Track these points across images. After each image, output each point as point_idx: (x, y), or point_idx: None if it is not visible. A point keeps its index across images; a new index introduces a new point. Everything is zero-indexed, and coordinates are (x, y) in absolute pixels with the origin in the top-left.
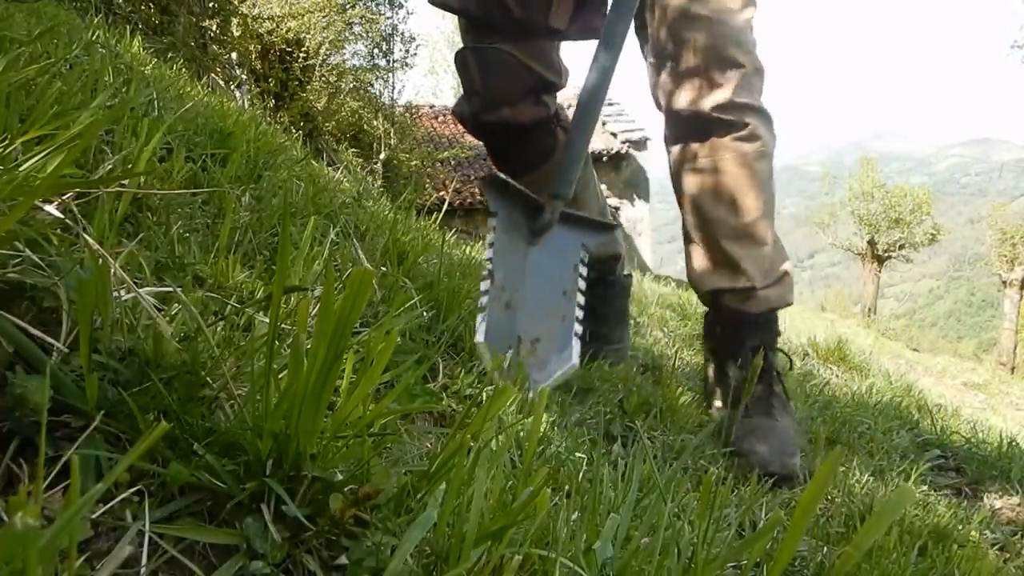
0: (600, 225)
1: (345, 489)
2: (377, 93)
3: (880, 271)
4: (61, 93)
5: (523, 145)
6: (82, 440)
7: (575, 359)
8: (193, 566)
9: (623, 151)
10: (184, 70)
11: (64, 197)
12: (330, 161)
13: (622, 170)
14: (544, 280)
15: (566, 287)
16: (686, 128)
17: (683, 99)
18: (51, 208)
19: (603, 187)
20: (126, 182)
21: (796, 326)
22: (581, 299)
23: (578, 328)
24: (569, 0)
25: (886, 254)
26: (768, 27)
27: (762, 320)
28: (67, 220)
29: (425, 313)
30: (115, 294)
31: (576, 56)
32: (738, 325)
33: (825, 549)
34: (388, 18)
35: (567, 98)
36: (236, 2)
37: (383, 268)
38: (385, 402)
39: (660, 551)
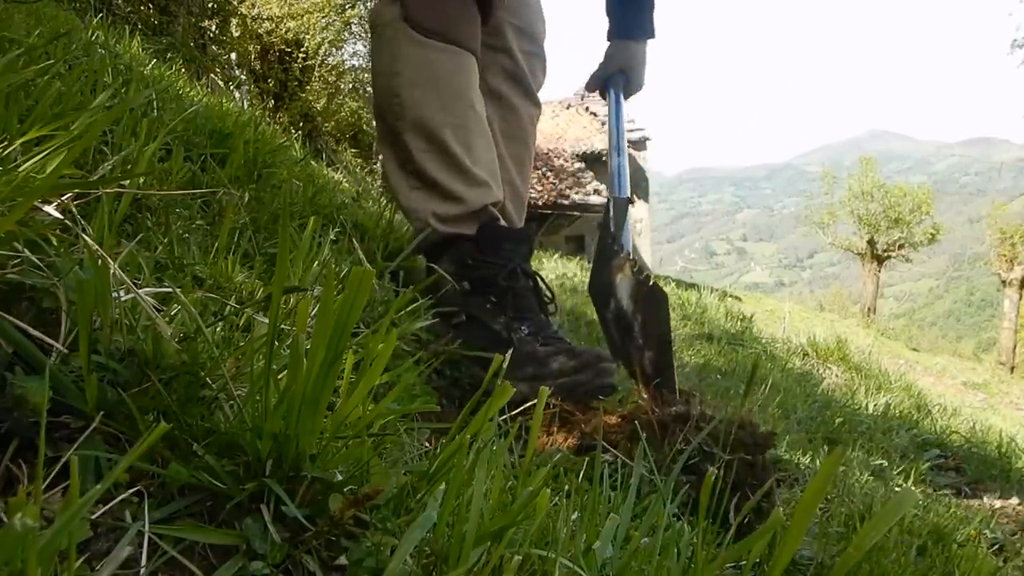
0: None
1: (345, 490)
2: None
3: (880, 271)
4: (60, 94)
5: None
6: (81, 441)
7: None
8: (193, 567)
9: None
10: (183, 70)
11: (63, 198)
12: (330, 161)
13: None
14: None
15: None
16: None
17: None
18: (50, 209)
19: (603, 187)
20: (126, 183)
21: (796, 325)
22: None
23: None
24: None
25: (885, 254)
26: (768, 26)
27: None
28: (66, 221)
29: (424, 312)
30: (114, 295)
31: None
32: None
33: (825, 549)
34: None
35: (568, 99)
36: (235, 2)
37: (387, 263)
38: (385, 402)
39: (660, 551)
